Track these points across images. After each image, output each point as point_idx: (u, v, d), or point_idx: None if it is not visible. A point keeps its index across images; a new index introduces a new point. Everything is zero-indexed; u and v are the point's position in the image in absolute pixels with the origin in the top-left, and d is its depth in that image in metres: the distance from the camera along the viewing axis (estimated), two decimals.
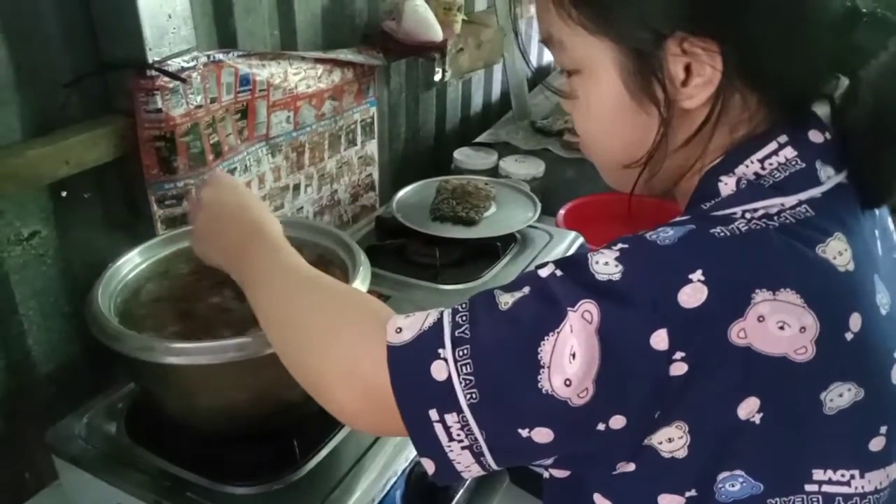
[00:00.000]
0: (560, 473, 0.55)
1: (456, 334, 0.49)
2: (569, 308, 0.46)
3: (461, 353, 0.48)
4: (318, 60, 1.21)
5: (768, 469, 0.48)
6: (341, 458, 0.83)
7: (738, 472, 0.48)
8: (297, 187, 1.28)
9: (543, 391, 0.46)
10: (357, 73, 1.32)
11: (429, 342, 0.49)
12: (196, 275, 0.88)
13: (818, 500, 0.49)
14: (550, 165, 1.60)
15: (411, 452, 0.85)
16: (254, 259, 0.65)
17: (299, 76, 1.18)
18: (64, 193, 0.90)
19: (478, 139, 1.82)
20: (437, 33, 1.38)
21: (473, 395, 0.47)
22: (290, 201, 1.27)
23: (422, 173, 1.51)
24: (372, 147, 1.46)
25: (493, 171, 1.59)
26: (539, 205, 1.34)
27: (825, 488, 0.49)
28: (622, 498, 0.52)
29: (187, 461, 0.81)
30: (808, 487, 0.49)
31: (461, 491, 0.92)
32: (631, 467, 0.49)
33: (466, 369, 0.47)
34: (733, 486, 0.48)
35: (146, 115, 0.92)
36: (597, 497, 0.53)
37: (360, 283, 0.81)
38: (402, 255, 1.25)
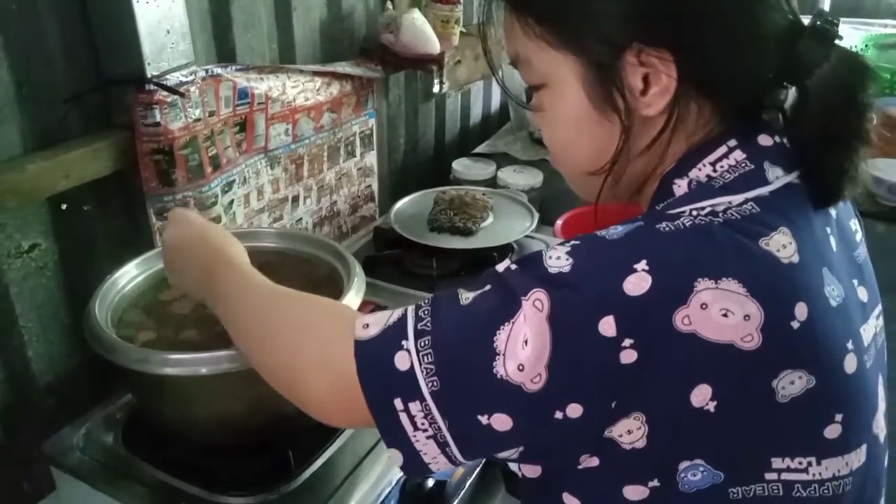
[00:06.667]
0: (531, 472, 0.57)
1: (418, 327, 0.51)
2: (522, 298, 0.48)
3: (423, 344, 0.50)
4: (316, 73, 1.23)
5: (727, 458, 0.50)
6: (336, 468, 0.84)
7: (698, 461, 0.49)
8: (296, 199, 1.29)
9: (498, 376, 0.48)
10: (356, 85, 1.33)
11: (393, 335, 0.52)
12: None
13: (778, 489, 0.51)
14: (548, 176, 1.60)
15: None
16: (220, 280, 0.69)
17: (297, 89, 1.19)
18: (64, 206, 0.92)
19: (476, 150, 1.83)
20: (435, 46, 1.40)
21: (434, 383, 0.49)
22: (290, 213, 1.28)
23: (421, 184, 1.52)
24: (371, 158, 1.47)
25: (492, 182, 1.60)
26: (537, 215, 1.35)
27: (784, 476, 0.51)
28: (589, 494, 0.53)
29: (184, 472, 0.82)
30: (767, 475, 0.50)
31: (456, 501, 0.93)
32: (595, 462, 0.51)
33: (428, 359, 0.50)
34: (695, 475, 0.50)
35: (145, 128, 0.93)
36: (566, 496, 0.55)
37: (355, 294, 0.82)
38: (400, 265, 1.26)
